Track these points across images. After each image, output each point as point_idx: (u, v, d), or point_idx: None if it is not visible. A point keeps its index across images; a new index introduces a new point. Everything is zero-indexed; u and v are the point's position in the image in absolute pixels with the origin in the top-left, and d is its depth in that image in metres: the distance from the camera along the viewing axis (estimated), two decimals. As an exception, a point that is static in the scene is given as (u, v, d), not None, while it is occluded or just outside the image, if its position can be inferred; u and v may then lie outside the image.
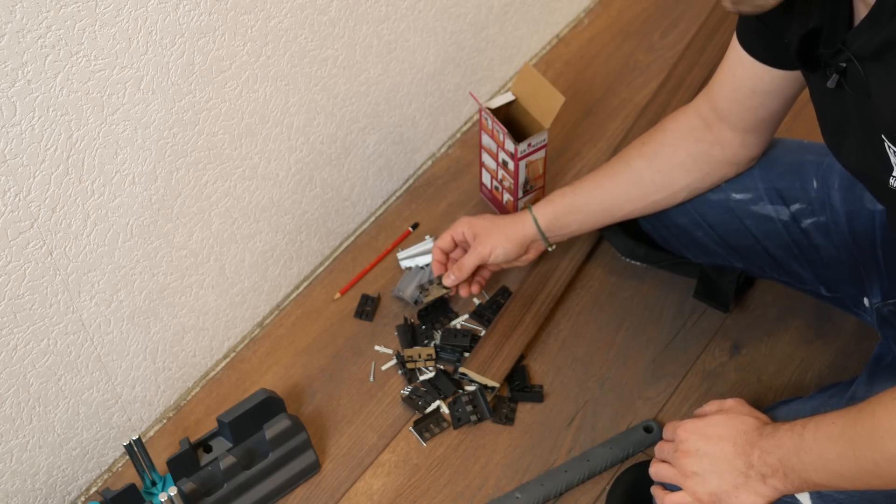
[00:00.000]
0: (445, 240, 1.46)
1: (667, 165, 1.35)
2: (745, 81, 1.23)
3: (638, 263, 1.57)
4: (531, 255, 1.46)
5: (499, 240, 1.42)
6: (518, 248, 1.43)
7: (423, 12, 1.53)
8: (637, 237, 1.53)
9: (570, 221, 1.42)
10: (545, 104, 1.51)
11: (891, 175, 1.03)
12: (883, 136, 1.00)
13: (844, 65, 1.01)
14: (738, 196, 1.37)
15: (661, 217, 1.44)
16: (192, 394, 1.48)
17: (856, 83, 1.01)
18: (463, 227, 1.45)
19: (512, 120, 1.59)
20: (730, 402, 1.19)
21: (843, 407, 1.17)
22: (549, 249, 1.46)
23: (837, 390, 1.21)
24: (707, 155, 1.33)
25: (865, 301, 1.30)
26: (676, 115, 1.36)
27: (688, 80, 1.78)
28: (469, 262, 1.43)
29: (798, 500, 1.11)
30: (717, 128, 1.31)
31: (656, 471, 1.19)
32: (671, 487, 1.17)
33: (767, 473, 1.09)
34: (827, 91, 1.04)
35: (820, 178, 1.32)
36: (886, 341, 1.24)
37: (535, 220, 1.41)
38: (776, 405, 1.24)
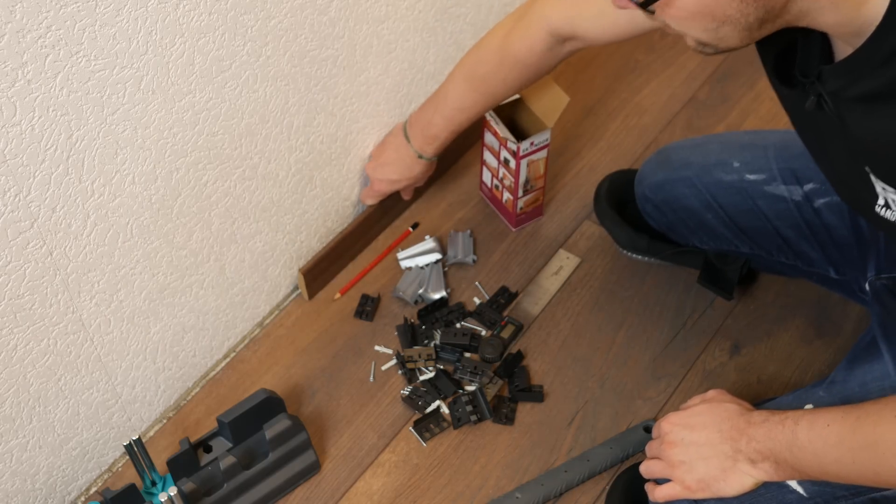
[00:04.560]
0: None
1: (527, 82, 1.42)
2: (621, 20, 1.24)
3: (639, 257, 1.57)
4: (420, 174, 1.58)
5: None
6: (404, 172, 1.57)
7: (423, 12, 1.53)
8: (638, 229, 1.53)
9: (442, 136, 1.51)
10: (549, 103, 1.51)
11: (875, 202, 1.02)
12: (865, 167, 1.00)
13: (821, 93, 0.99)
14: (751, 177, 1.37)
15: (669, 201, 1.44)
16: (192, 394, 1.48)
17: (832, 113, 0.99)
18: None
19: (515, 119, 1.59)
20: (711, 393, 1.19)
21: (823, 391, 1.17)
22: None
23: (818, 382, 1.22)
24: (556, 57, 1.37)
25: (867, 284, 1.30)
26: (527, 44, 1.35)
27: None
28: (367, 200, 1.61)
29: (788, 485, 1.12)
30: (570, 43, 1.33)
31: (646, 467, 1.19)
32: (662, 482, 1.17)
33: (757, 459, 1.10)
34: (805, 112, 1.03)
35: None
36: (871, 324, 1.24)
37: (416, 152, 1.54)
38: (759, 403, 1.23)
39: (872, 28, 0.91)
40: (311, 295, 1.58)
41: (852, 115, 0.97)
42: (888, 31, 0.90)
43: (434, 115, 1.47)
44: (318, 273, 1.57)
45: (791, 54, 1.04)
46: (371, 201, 1.61)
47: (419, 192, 1.68)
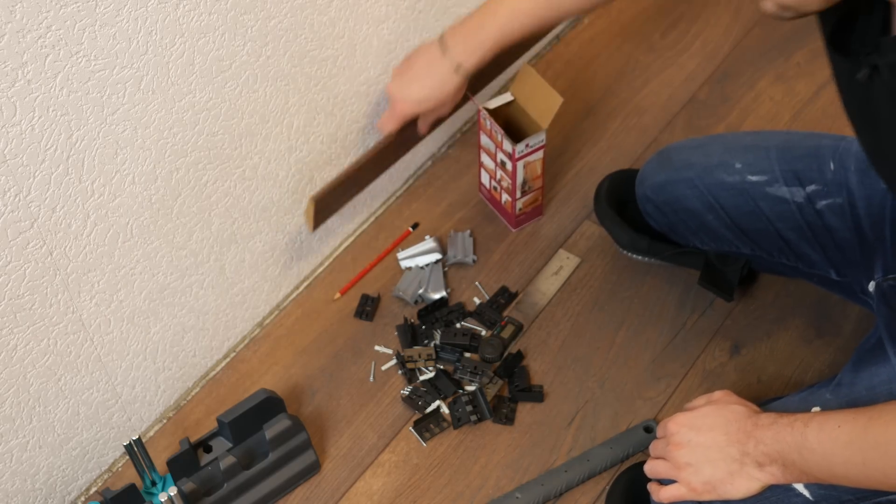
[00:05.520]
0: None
1: None
2: None
3: (639, 258, 1.57)
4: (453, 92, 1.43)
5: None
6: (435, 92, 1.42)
7: (423, 12, 1.53)
8: (638, 230, 1.53)
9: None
10: (543, 105, 1.51)
11: None
12: None
13: (877, 65, 0.98)
14: (753, 178, 1.37)
15: (670, 202, 1.44)
16: (192, 394, 1.48)
17: (887, 86, 0.98)
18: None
19: (511, 120, 1.59)
20: (718, 394, 1.19)
21: (830, 393, 1.17)
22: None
23: (823, 384, 1.22)
24: None
25: (871, 285, 1.30)
26: None
27: None
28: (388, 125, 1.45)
29: (794, 488, 1.11)
30: None
31: (651, 467, 1.19)
32: (667, 482, 1.17)
33: (764, 462, 1.09)
34: (855, 82, 1.02)
35: (837, 160, 1.32)
36: (876, 325, 1.24)
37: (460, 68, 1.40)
38: (763, 402, 1.23)
39: None
40: (316, 226, 1.48)
41: None
42: None
43: (485, 19, 1.37)
44: (328, 204, 1.47)
45: (850, 23, 1.03)
46: (391, 127, 1.46)
47: (418, 195, 1.68)
